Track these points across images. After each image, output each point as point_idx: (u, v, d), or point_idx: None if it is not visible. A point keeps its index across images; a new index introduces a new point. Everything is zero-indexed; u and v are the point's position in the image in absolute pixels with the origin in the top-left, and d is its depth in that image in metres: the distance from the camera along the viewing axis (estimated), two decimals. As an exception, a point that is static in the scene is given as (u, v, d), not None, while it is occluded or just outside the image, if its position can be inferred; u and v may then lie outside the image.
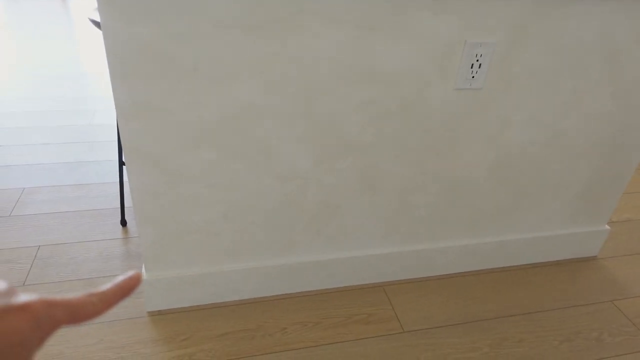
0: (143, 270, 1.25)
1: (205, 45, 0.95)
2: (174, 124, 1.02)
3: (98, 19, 1.27)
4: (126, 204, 1.71)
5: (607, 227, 1.58)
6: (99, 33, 3.58)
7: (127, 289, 0.34)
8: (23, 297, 0.28)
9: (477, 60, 1.10)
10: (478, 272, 1.52)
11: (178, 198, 1.13)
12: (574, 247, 1.58)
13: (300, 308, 1.34)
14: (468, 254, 1.47)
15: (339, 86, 1.06)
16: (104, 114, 2.39)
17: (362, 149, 1.17)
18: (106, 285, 0.33)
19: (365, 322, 1.31)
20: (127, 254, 1.49)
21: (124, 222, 1.61)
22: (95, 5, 3.82)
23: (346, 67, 1.04)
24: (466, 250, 1.46)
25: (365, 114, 1.12)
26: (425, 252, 1.42)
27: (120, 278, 0.34)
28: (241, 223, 1.22)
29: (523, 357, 1.25)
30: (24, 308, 0.28)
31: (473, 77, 1.12)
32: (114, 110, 2.41)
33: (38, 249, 1.49)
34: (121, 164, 1.52)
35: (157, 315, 1.28)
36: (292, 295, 1.38)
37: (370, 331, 1.29)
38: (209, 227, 1.20)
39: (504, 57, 1.12)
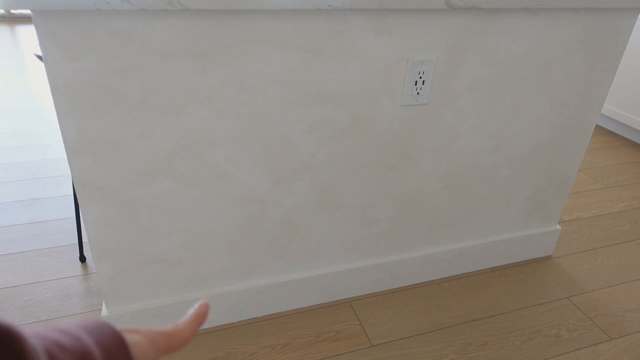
0: (103, 306, 1.22)
1: (152, 76, 0.95)
2: (125, 155, 1.02)
3: (44, 55, 1.25)
4: (84, 239, 1.67)
5: (558, 226, 1.65)
6: (50, 65, 3.49)
7: (202, 315, 0.37)
8: (130, 326, 0.32)
9: (420, 77, 1.15)
10: (441, 280, 1.56)
11: (135, 230, 1.12)
12: (530, 249, 1.65)
13: (268, 331, 1.33)
14: (430, 263, 1.51)
15: (289, 109, 1.09)
16: (57, 148, 2.34)
17: (318, 168, 1.20)
18: (185, 316, 0.37)
19: (334, 339, 1.32)
20: (88, 291, 1.45)
21: (82, 258, 1.57)
22: (45, 37, 3.72)
23: (295, 90, 1.07)
24: (428, 260, 1.50)
25: (317, 134, 1.15)
26: (388, 264, 1.45)
27: (193, 308, 0.37)
28: (202, 250, 1.21)
29: (488, 359, 1.29)
30: (134, 331, 0.32)
31: (418, 93, 1.17)
32: (69, 144, 2.35)
33: (-9, 293, 1.43)
34: (77, 198, 1.48)
35: (121, 352, 1.25)
36: (259, 319, 1.37)
37: (340, 348, 1.30)
38: (169, 257, 1.19)
39: (445, 72, 1.17)
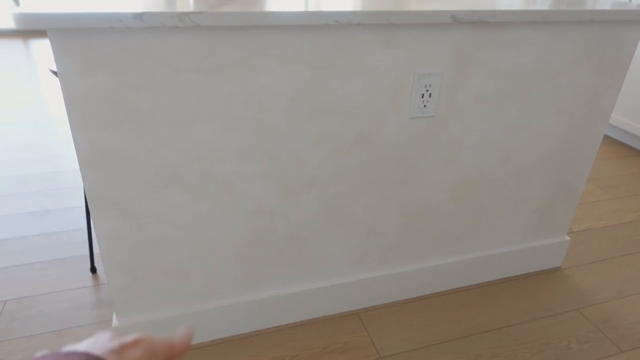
0: (114, 316, 1.23)
1: (163, 90, 0.98)
2: (137, 168, 1.04)
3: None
4: (95, 250, 1.69)
5: (567, 237, 1.64)
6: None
7: (189, 335, 0.39)
8: (131, 336, 0.34)
9: (427, 90, 1.16)
10: (449, 291, 1.56)
11: (145, 241, 1.13)
12: (538, 260, 1.64)
13: (277, 342, 1.34)
14: (438, 275, 1.51)
15: (297, 123, 1.11)
16: (70, 159, 2.38)
17: (325, 181, 1.21)
18: (179, 332, 0.39)
19: (342, 350, 1.32)
20: (98, 302, 1.47)
21: (93, 269, 1.59)
22: (58, 51, 3.80)
23: (303, 105, 1.09)
24: (436, 271, 1.50)
25: (324, 148, 1.16)
26: (396, 276, 1.45)
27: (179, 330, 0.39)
28: (211, 262, 1.22)
29: (497, 372, 1.28)
30: (136, 343, 0.33)
31: (425, 105, 1.18)
32: (80, 156, 2.38)
33: (4, 303, 1.45)
34: (88, 210, 1.51)
35: (131, 362, 1.26)
36: (267, 330, 1.38)
37: (348, 360, 1.30)
38: (179, 269, 1.20)
39: (452, 85, 1.19)
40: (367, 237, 1.35)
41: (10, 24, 4.97)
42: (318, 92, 1.08)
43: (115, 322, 1.22)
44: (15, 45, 4.55)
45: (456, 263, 1.51)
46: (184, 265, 1.20)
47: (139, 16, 0.86)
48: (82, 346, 0.32)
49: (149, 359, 0.33)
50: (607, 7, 1.22)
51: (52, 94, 3.32)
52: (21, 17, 0.80)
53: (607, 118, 1.41)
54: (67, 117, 2.87)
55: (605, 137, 2.83)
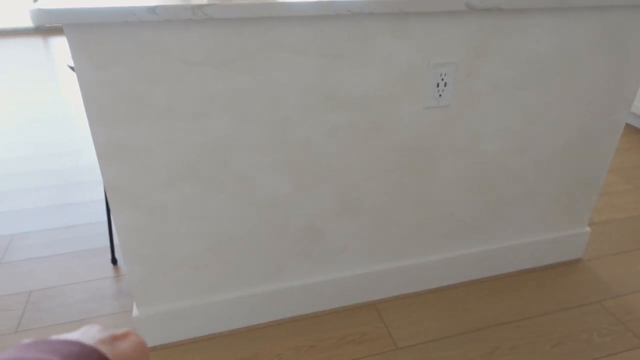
0: (134, 306, 1.26)
1: (177, 83, 0.98)
2: (153, 161, 1.05)
3: (76, 66, 1.30)
4: (115, 242, 1.73)
5: (587, 228, 1.61)
6: (82, 75, 3.61)
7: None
8: (120, 329, 0.34)
9: (442, 79, 1.15)
10: (467, 283, 1.54)
11: (164, 233, 1.15)
12: (558, 251, 1.61)
13: (294, 333, 1.35)
14: (455, 266, 1.50)
15: (310, 114, 1.10)
16: (89, 154, 2.42)
17: (340, 172, 1.21)
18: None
19: (359, 341, 1.32)
20: (119, 292, 1.50)
21: (114, 260, 1.62)
22: (77, 48, 3.85)
23: (316, 95, 1.08)
24: (453, 262, 1.49)
25: (339, 138, 1.16)
26: (413, 267, 1.45)
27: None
28: (228, 253, 1.24)
29: (515, 364, 1.27)
30: (125, 335, 0.34)
31: (440, 95, 1.17)
32: (100, 150, 2.43)
33: (29, 294, 1.50)
34: (108, 203, 1.54)
35: (152, 352, 1.28)
36: (284, 320, 1.39)
37: (364, 351, 1.30)
38: (197, 260, 1.22)
39: (467, 74, 1.17)
40: (383, 228, 1.35)
41: (30, 23, 5.08)
42: (331, 83, 1.08)
43: (135, 311, 1.25)
44: (35, 44, 4.65)
45: (474, 254, 1.50)
46: (201, 256, 1.22)
47: (152, 10, 0.87)
48: (73, 336, 0.32)
49: (138, 352, 0.34)
50: (629, -10, 1.18)
51: (72, 91, 3.39)
52: (37, 13, 0.82)
53: (629, 106, 1.37)
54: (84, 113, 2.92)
55: (628, 126, 2.76)
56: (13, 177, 2.21)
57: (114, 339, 0.32)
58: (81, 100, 3.23)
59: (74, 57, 0.91)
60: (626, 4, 1.18)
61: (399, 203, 1.32)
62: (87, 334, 0.32)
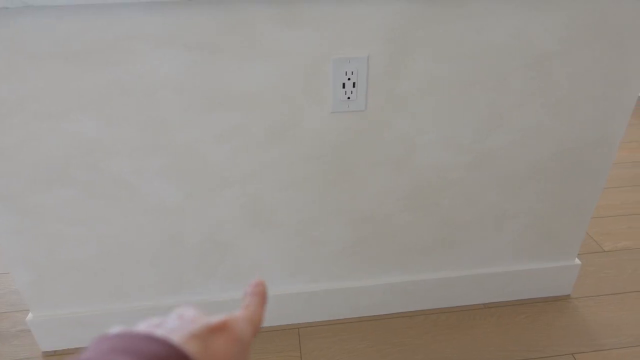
0: (29, 312, 1.20)
1: (25, 80, 0.87)
2: (14, 162, 0.96)
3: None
4: None
5: (576, 261, 1.32)
6: None
7: (262, 294, 0.36)
8: (216, 318, 0.29)
9: (349, 79, 0.94)
10: (414, 313, 1.33)
11: (45, 237, 1.07)
12: (538, 285, 1.34)
13: (200, 352, 1.23)
14: (399, 293, 1.29)
15: (190, 115, 0.95)
16: None
17: (239, 181, 1.05)
18: (247, 300, 0.35)
19: (265, 371, 1.18)
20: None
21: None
22: None
23: (193, 94, 0.93)
24: (396, 289, 1.28)
25: (231, 144, 1.00)
26: (345, 291, 1.26)
27: (250, 286, 0.36)
28: (121, 262, 1.13)
29: (438, 423, 1.06)
30: (223, 327, 0.29)
31: (349, 98, 0.96)
32: None
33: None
34: None
35: (53, 356, 1.23)
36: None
37: (271, 381, 1.15)
38: (86, 267, 1.13)
39: (387, 72, 0.95)
40: (304, 246, 1.18)
41: None
42: (211, 80, 0.92)
43: (30, 315, 1.20)
44: None
45: (421, 282, 1.28)
46: (91, 263, 1.12)
47: (-38, -5, 0.76)
48: (163, 328, 0.27)
49: (235, 349, 0.28)
50: (614, -36, 0.89)
51: None
52: None
53: (627, 115, 1.07)
54: None
55: (692, 129, 2.28)
56: None
57: (210, 331, 0.28)
58: None
59: None
60: (606, -17, 0.89)
61: (319, 218, 1.14)
62: (181, 325, 0.28)
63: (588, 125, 1.06)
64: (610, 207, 1.74)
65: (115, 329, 0.26)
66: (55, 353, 1.24)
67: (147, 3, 0.82)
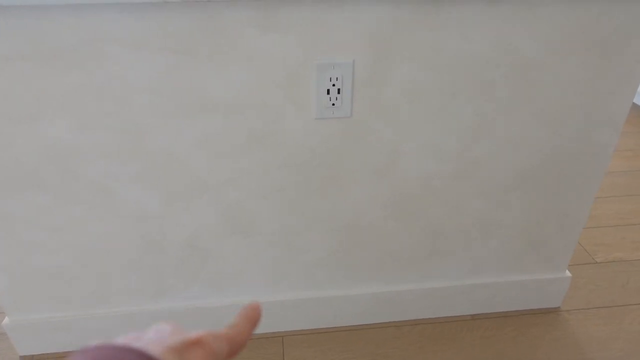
0: (6, 316, 1.18)
1: (-4, 81, 0.85)
2: (-12, 165, 0.94)
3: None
4: None
5: (567, 273, 1.29)
6: None
7: (253, 319, 0.35)
8: (193, 333, 0.30)
9: (334, 85, 0.91)
10: (400, 323, 1.30)
11: (18, 243, 1.04)
12: (526, 297, 1.31)
13: (180, 359, 1.20)
14: (385, 303, 1.26)
15: (167, 120, 0.93)
16: None
17: (218, 187, 1.03)
18: (237, 319, 0.34)
19: (245, 380, 1.16)
20: None
21: None
22: None
23: (169, 98, 0.90)
24: (381, 298, 1.25)
25: (210, 150, 0.97)
26: (330, 299, 1.24)
27: (243, 309, 0.35)
28: (99, 268, 1.11)
29: None
30: (199, 342, 0.29)
31: (333, 104, 0.93)
32: None
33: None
34: None
35: (29, 361, 1.21)
36: (174, 343, 1.25)
37: (251, 391, 1.13)
38: (63, 273, 1.11)
39: (371, 78, 0.92)
40: (285, 254, 1.15)
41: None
42: (187, 84, 0.89)
43: (6, 319, 1.17)
44: None
45: (407, 292, 1.25)
46: (67, 269, 1.10)
47: None
48: (141, 341, 0.28)
49: None
50: (605, -29, 0.86)
51: None
52: None
53: (619, 126, 1.04)
54: None
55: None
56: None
57: (186, 346, 0.28)
58: None
59: None
60: (596, -9, 0.86)
61: (301, 226, 1.11)
62: (158, 338, 0.28)
63: (577, 134, 1.04)
64: (604, 217, 1.71)
65: (95, 342, 0.27)
66: (33, 358, 1.22)
67: (121, 4, 0.80)
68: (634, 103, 2.72)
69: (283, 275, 1.19)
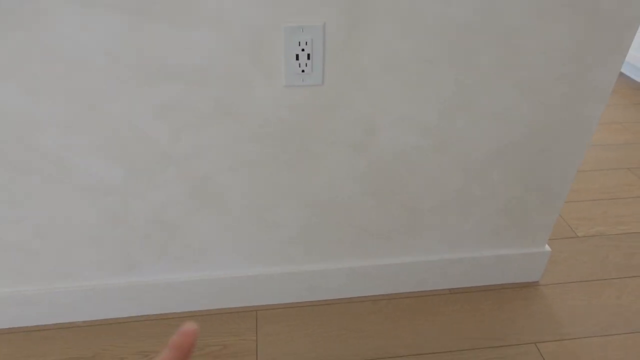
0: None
1: None
2: None
3: None
4: None
5: (546, 248, 1.27)
6: None
7: (184, 349, 0.30)
8: None
9: (303, 50, 0.85)
10: (376, 297, 1.28)
11: (-26, 215, 0.99)
12: (507, 271, 1.29)
13: (150, 334, 1.18)
14: (359, 277, 1.24)
15: (126, 87, 0.86)
16: None
17: (183, 160, 0.97)
18: (167, 350, 0.30)
19: (216, 355, 1.13)
20: None
21: None
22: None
23: (128, 64, 0.84)
24: (355, 273, 1.23)
25: (173, 120, 0.91)
26: (304, 274, 1.21)
27: (175, 337, 0.31)
28: (59, 241, 1.06)
29: (390, 413, 1.02)
30: None
31: (303, 71, 0.87)
32: None
33: None
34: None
35: (-4, 335, 1.18)
36: (142, 318, 1.22)
37: (223, 366, 1.11)
38: (24, 246, 1.06)
39: (345, 43, 0.86)
40: (258, 229, 1.11)
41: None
42: (146, 48, 0.82)
43: (-32, 293, 1.13)
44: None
45: (383, 267, 1.22)
46: (28, 242, 1.05)
47: None
48: None
49: None
50: None
51: None
52: None
53: (606, 96, 0.99)
54: None
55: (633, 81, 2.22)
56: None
57: None
58: None
59: None
60: (587, -50, 0.79)
61: (273, 201, 1.07)
62: None
63: (561, 106, 0.99)
64: (588, 191, 1.69)
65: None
66: (0, 332, 1.19)
67: (66, -43, 0.72)
68: (624, 75, 2.66)
69: (256, 250, 1.15)
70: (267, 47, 0.85)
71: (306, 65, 0.87)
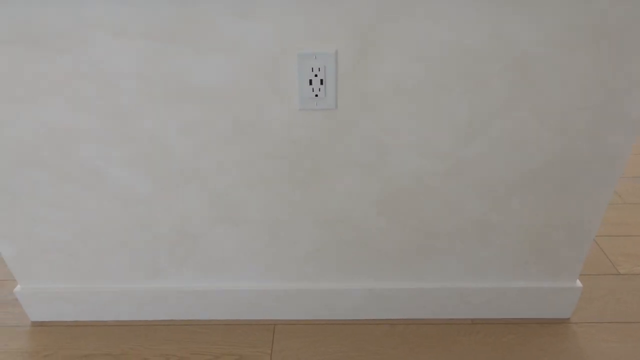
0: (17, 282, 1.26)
1: (-7, 64, 0.90)
2: (-9, 143, 1.00)
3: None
4: None
5: (578, 284, 1.20)
6: None
7: None
8: None
9: (316, 75, 0.89)
10: (394, 321, 1.27)
11: (23, 216, 1.11)
12: (532, 305, 1.24)
13: (173, 339, 1.24)
14: (377, 298, 1.23)
15: (153, 105, 0.94)
16: None
17: (206, 174, 1.03)
18: None
19: (231, 364, 1.18)
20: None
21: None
22: None
23: (155, 85, 0.92)
24: (374, 294, 1.23)
25: (196, 137, 0.98)
26: (321, 292, 1.23)
27: None
28: (96, 244, 1.16)
29: None
30: None
31: (316, 95, 0.91)
32: None
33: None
34: None
35: (39, 327, 1.29)
36: (167, 322, 1.29)
37: (236, 376, 1.15)
38: (66, 247, 1.17)
39: (356, 69, 0.89)
40: (273, 244, 1.15)
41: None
42: (170, 71, 0.90)
43: (18, 287, 1.26)
44: None
45: (400, 290, 1.22)
46: (69, 244, 1.16)
47: None
48: None
49: None
50: (617, -45, 0.77)
51: None
52: None
53: (635, 129, 0.94)
54: None
55: None
56: None
57: None
58: None
59: None
60: (603, -22, 0.78)
61: (288, 218, 1.10)
62: None
63: (585, 136, 0.95)
64: (637, 226, 1.58)
65: None
66: (43, 324, 1.30)
67: (103, -9, 0.81)
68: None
69: (272, 265, 1.19)
70: (282, 72, 0.89)
71: (319, 90, 0.90)
